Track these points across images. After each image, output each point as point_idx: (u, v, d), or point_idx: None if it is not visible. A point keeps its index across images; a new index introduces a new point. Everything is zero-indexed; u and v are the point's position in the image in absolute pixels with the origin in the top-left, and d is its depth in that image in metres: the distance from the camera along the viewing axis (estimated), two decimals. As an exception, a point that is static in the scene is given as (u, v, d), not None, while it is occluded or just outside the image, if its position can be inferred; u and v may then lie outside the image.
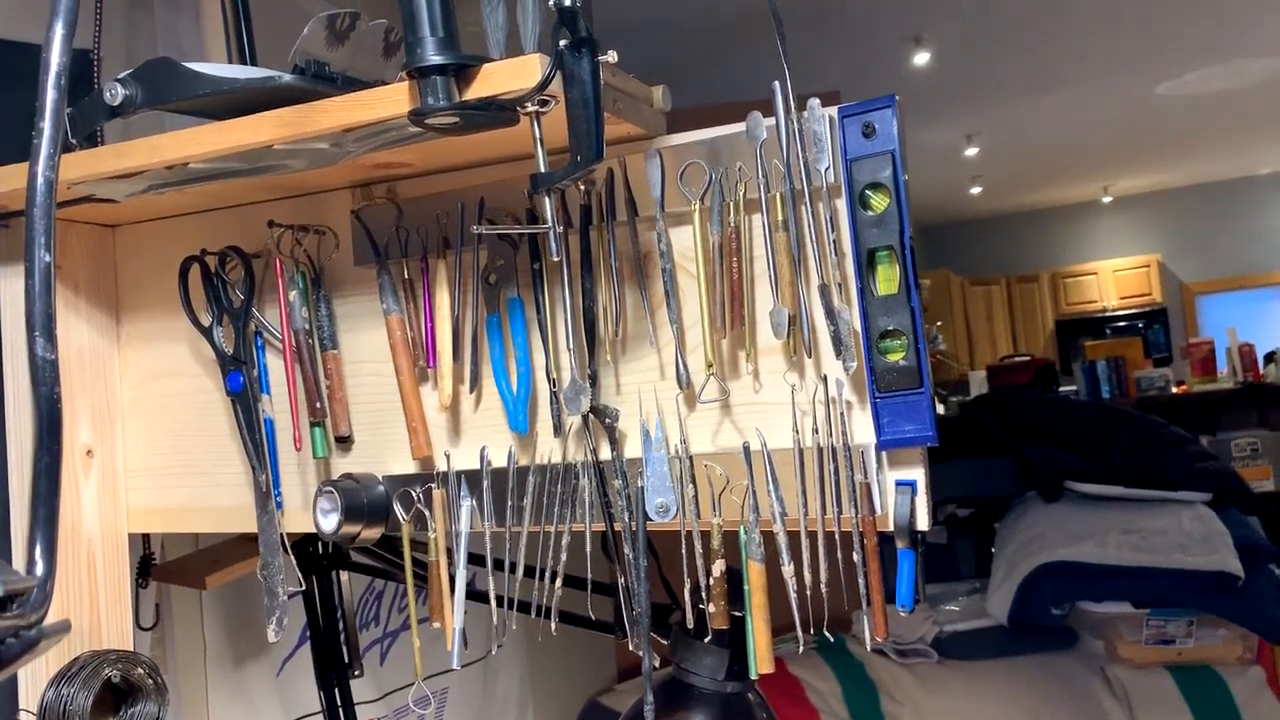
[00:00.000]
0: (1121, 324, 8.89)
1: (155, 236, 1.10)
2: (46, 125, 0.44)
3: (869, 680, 2.45)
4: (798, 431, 0.85)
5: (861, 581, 0.84)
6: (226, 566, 1.33)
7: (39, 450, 0.41)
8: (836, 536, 0.84)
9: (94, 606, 1.09)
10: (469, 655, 2.19)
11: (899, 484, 0.83)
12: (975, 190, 8.12)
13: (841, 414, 0.84)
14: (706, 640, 1.01)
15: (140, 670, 1.07)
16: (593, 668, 2.73)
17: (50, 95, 0.45)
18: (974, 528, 2.81)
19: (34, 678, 1.04)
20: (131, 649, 1.10)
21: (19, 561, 0.40)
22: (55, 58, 0.45)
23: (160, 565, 1.38)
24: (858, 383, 0.84)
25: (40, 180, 0.44)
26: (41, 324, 0.43)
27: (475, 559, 0.97)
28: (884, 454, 0.83)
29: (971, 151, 6.78)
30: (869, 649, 0.87)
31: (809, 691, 2.38)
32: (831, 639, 0.91)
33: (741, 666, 1.03)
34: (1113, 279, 9.09)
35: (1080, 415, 3.16)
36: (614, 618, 1.16)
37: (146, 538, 1.40)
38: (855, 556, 0.83)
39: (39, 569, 0.40)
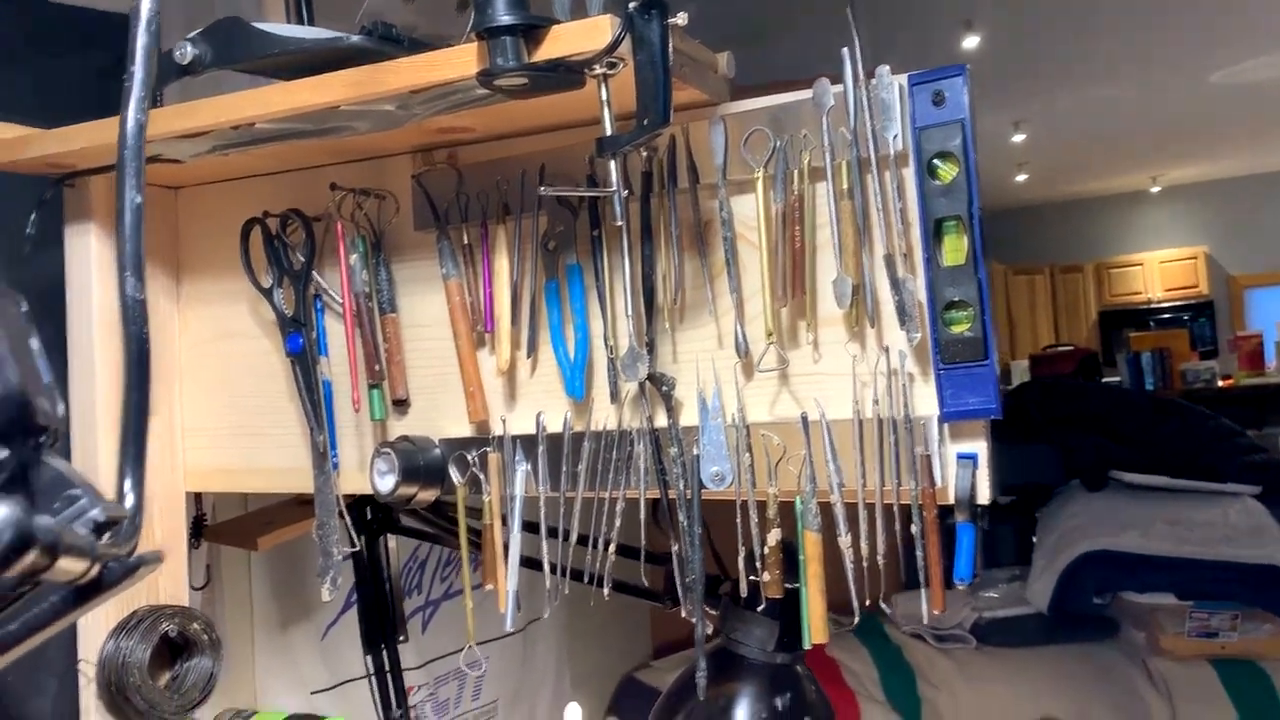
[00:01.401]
0: (1166, 316, 8.76)
1: (217, 199, 1.11)
2: (138, 69, 0.45)
3: (906, 664, 2.44)
4: (858, 402, 0.85)
5: (920, 555, 0.83)
6: (278, 528, 1.35)
7: (129, 389, 0.42)
8: (895, 509, 0.84)
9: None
10: (505, 628, 2.20)
11: (960, 457, 0.82)
12: (1021, 178, 8.02)
13: (903, 385, 0.83)
14: (758, 610, 1.01)
15: (196, 625, 1.09)
16: (629, 644, 2.74)
17: (141, 40, 0.46)
18: (1015, 515, 2.78)
19: (93, 630, 1.06)
20: (186, 606, 1.12)
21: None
22: (146, 2, 0.46)
23: (212, 526, 1.40)
24: (921, 354, 0.83)
25: (131, 123, 0.44)
26: (132, 264, 0.44)
27: (529, 526, 0.98)
28: (945, 426, 0.83)
29: (1018, 138, 6.69)
30: (925, 622, 0.87)
31: (846, 673, 2.37)
32: (888, 609, 0.90)
33: (791, 638, 1.04)
34: (1159, 270, 8.95)
35: (1127, 405, 3.12)
36: (664, 587, 1.16)
37: (198, 499, 1.42)
38: (913, 529, 0.83)
39: (129, 501, 0.41)
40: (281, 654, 1.69)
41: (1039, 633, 2.54)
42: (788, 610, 1.03)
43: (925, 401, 0.84)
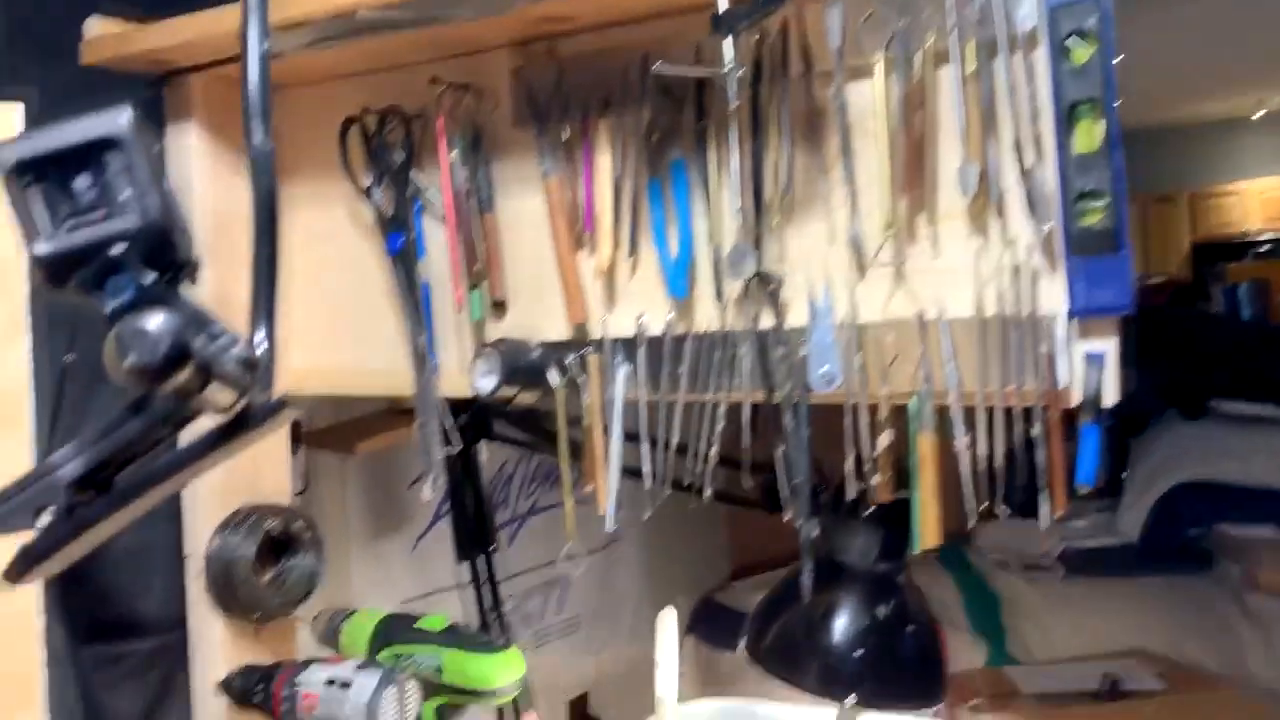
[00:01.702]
0: (1265, 248, 8.40)
1: (315, 99, 1.10)
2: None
3: (991, 593, 2.41)
4: (979, 299, 0.81)
5: (1041, 457, 0.80)
6: (374, 435, 1.36)
7: (259, 241, 0.41)
8: (1016, 411, 0.80)
9: (254, 461, 1.12)
10: (589, 544, 2.22)
11: (1088, 355, 0.79)
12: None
13: (1028, 281, 0.80)
14: (862, 517, 0.99)
15: (298, 524, 1.10)
16: (708, 566, 2.75)
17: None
18: (1107, 443, 2.70)
19: (199, 526, 1.09)
20: (289, 505, 1.14)
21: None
22: None
23: (311, 431, 1.42)
24: (1048, 247, 0.79)
25: (253, -29, 0.43)
26: (259, 114, 0.42)
27: (625, 435, 0.96)
28: (1073, 323, 0.79)
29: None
30: (1043, 529, 0.84)
31: (929, 600, 2.35)
32: (1008, 511, 0.88)
33: (894, 548, 1.02)
34: (1258, 201, 8.56)
35: (1227, 332, 3.00)
36: (761, 495, 1.14)
37: (296, 407, 1.44)
38: (1034, 431, 0.80)
39: (262, 350, 0.40)
40: (374, 562, 1.72)
41: (1129, 564, 2.48)
42: (891, 520, 1.01)
43: (1051, 298, 0.80)
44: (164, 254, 0.35)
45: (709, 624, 2.51)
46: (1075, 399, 0.79)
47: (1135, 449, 2.69)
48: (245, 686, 1.02)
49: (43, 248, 0.35)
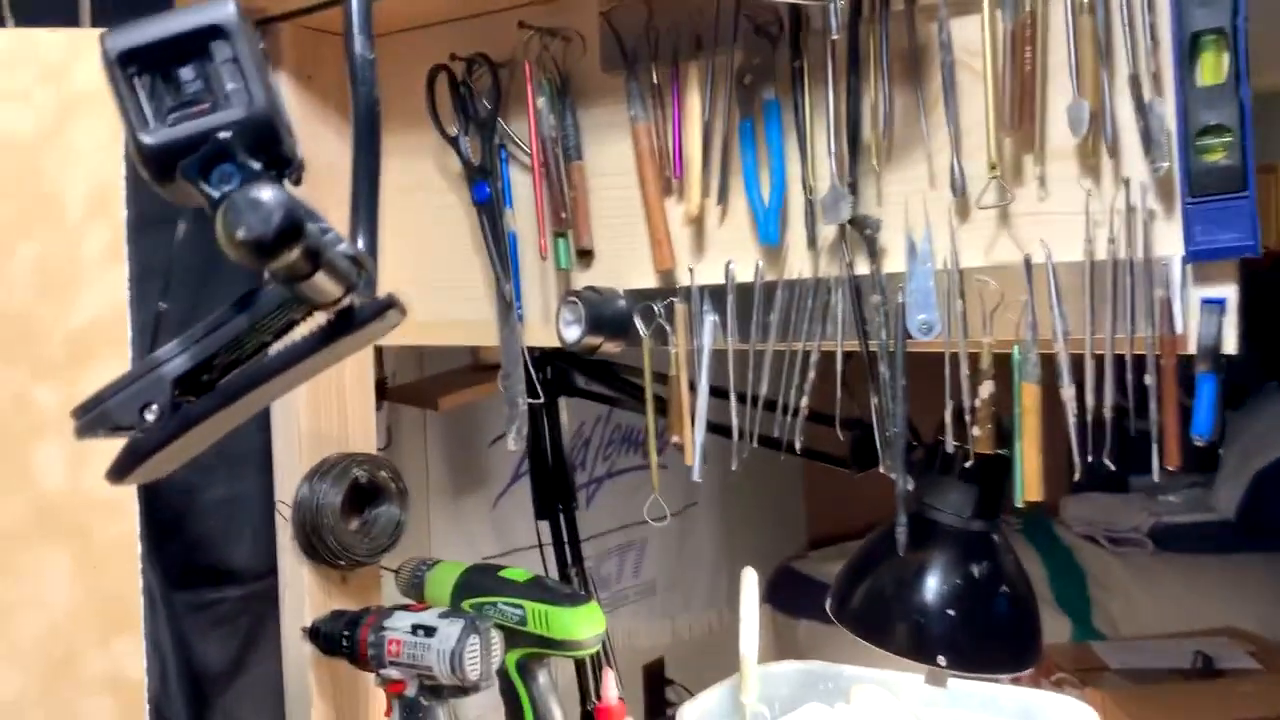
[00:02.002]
0: (1369, 221, 8.03)
1: (402, 47, 1.10)
2: None
3: (1077, 566, 2.35)
4: (1089, 242, 0.77)
5: (1153, 408, 0.76)
6: (458, 391, 1.37)
7: (359, 150, 0.40)
8: (1128, 359, 0.77)
9: (342, 412, 1.13)
10: (668, 508, 2.21)
11: (1205, 302, 0.75)
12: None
13: (1143, 222, 0.76)
14: (956, 473, 0.96)
15: (384, 474, 1.11)
16: (785, 535, 2.73)
17: None
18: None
19: (288, 475, 1.10)
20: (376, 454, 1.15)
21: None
22: None
23: (394, 387, 1.43)
24: (1165, 187, 0.75)
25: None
26: (361, 24, 0.41)
27: (712, 390, 0.94)
28: (1190, 267, 0.75)
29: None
30: (1155, 479, 0.80)
31: (1012, 572, 2.30)
32: (1114, 467, 0.84)
33: (989, 506, 0.98)
34: (1363, 171, 8.18)
35: (1333, 304, 2.86)
36: (849, 452, 1.12)
37: (379, 362, 1.45)
38: (1147, 380, 0.76)
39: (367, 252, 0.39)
40: (454, 519, 1.74)
41: (1223, 540, 2.40)
42: (986, 476, 0.97)
43: (1166, 241, 0.76)
44: (269, 147, 0.34)
45: (786, 592, 2.49)
46: (1191, 347, 0.75)
47: (1233, 422, 2.59)
48: (332, 632, 1.03)
49: (149, 139, 0.35)
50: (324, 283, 0.35)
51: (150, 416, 0.38)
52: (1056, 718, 1.00)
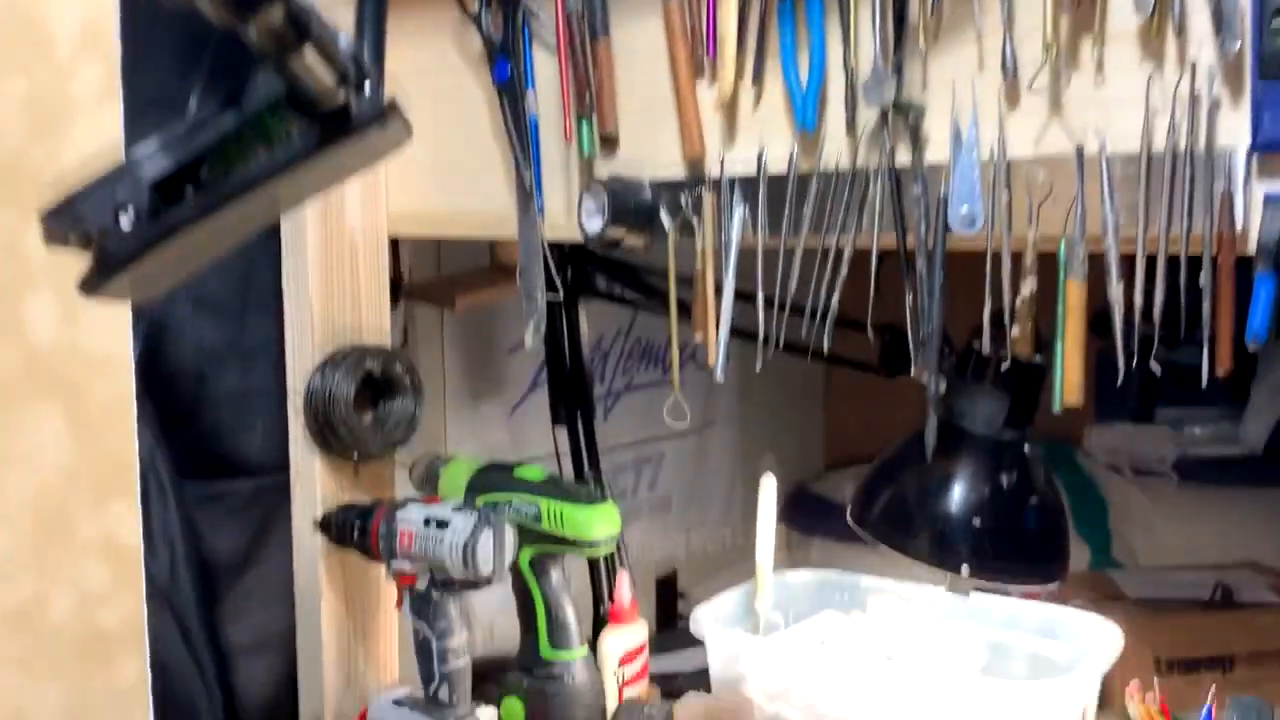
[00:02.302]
0: None
1: (421, -82, 1.04)
2: None
3: (1099, 496, 2.31)
4: (1148, 132, 0.72)
5: (1206, 308, 0.72)
6: (476, 290, 1.33)
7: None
8: (1182, 257, 0.72)
9: (355, 303, 1.10)
10: (685, 425, 2.19)
11: (1269, 197, 0.70)
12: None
13: (1208, 110, 0.71)
14: (989, 380, 0.93)
15: (399, 367, 1.08)
16: (801, 455, 2.70)
17: None
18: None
19: (300, 364, 1.07)
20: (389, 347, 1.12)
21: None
22: None
23: (411, 285, 1.39)
24: (1233, 72, 0.70)
25: None
26: None
27: (741, 295, 0.91)
28: (1254, 159, 0.70)
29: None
30: (1204, 385, 0.77)
31: (1031, 499, 2.27)
32: (1158, 370, 0.80)
33: (1021, 415, 0.95)
34: None
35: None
36: (879, 357, 1.09)
37: (395, 259, 1.41)
38: (1202, 280, 0.72)
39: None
40: (470, 425, 1.72)
41: (1250, 474, 2.35)
42: (1020, 384, 0.94)
43: (1231, 131, 0.71)
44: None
45: (800, 512, 2.47)
46: (1250, 246, 0.71)
47: (1263, 356, 2.53)
48: (343, 524, 1.02)
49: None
50: (315, 65, 0.31)
51: (125, 221, 0.34)
52: (1081, 634, 0.98)
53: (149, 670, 0.88)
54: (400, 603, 0.99)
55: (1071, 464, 2.41)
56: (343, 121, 0.34)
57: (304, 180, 0.36)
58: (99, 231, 0.34)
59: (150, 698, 0.88)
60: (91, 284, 0.35)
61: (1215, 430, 2.47)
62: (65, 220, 0.34)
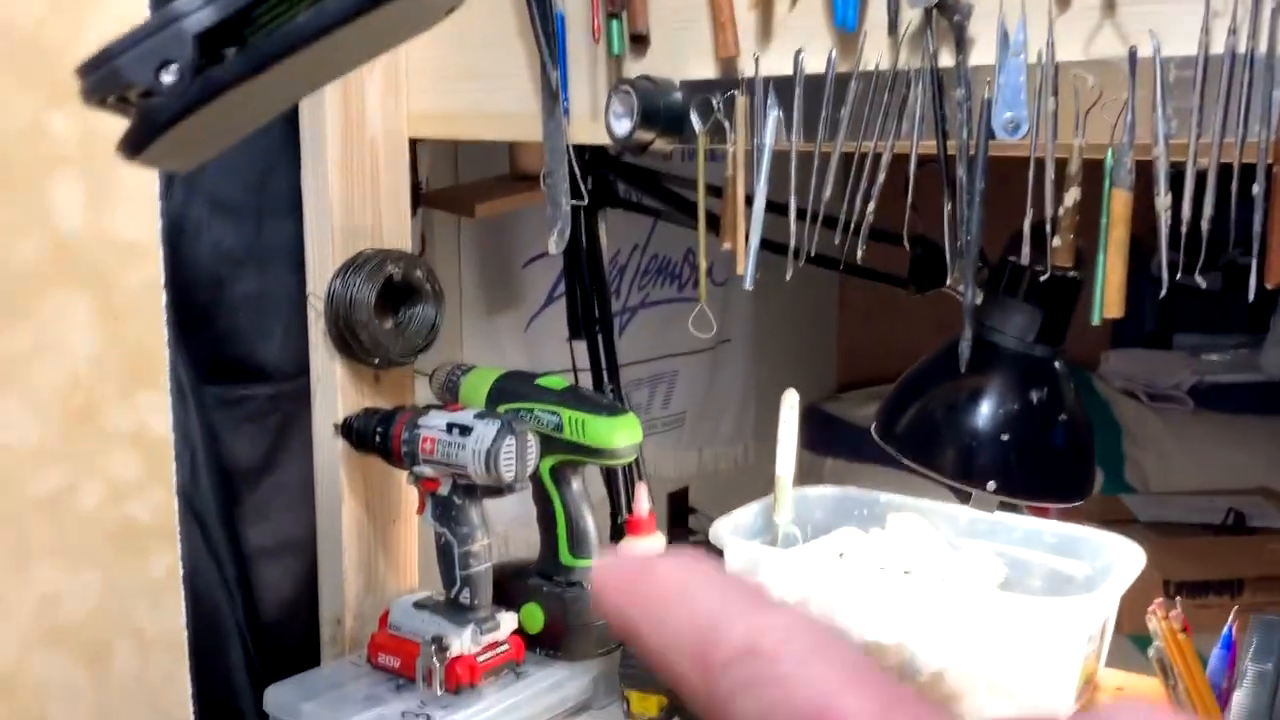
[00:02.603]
0: None
1: None
2: None
3: (1114, 420, 2.32)
4: (1205, 33, 0.70)
5: (1258, 219, 0.70)
6: (495, 199, 1.31)
7: None
8: (1235, 167, 0.70)
9: (376, 207, 1.08)
10: (700, 343, 2.18)
11: (1332, 104, 0.67)
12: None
13: (1271, 11, 0.68)
14: (1021, 294, 0.91)
15: (419, 273, 1.07)
16: (815, 376, 2.70)
17: None
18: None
19: (321, 268, 1.06)
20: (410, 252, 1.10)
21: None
22: None
23: (430, 192, 1.37)
24: (1303, -31, 0.67)
25: None
26: None
27: (772, 206, 0.88)
28: (1319, 65, 0.67)
29: None
30: (1251, 298, 0.75)
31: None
32: (1202, 283, 0.78)
33: (1054, 330, 0.94)
34: None
35: None
36: (911, 270, 1.07)
37: (414, 166, 1.39)
38: (1255, 190, 0.69)
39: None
40: (486, 336, 1.71)
41: (1268, 401, 2.34)
42: (1054, 299, 0.92)
43: (1296, 34, 0.68)
44: None
45: (814, 432, 2.48)
46: (1308, 156, 0.68)
47: (1287, 284, 2.50)
48: (365, 429, 1.01)
49: None
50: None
51: (168, 78, 0.33)
52: (1101, 552, 0.98)
53: (181, 564, 0.89)
54: (421, 508, 0.99)
55: (1087, 388, 2.41)
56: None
57: (354, 41, 0.34)
58: (141, 90, 0.33)
59: (183, 589, 0.88)
60: (134, 146, 0.33)
61: (1233, 357, 2.47)
62: (104, 77, 0.32)
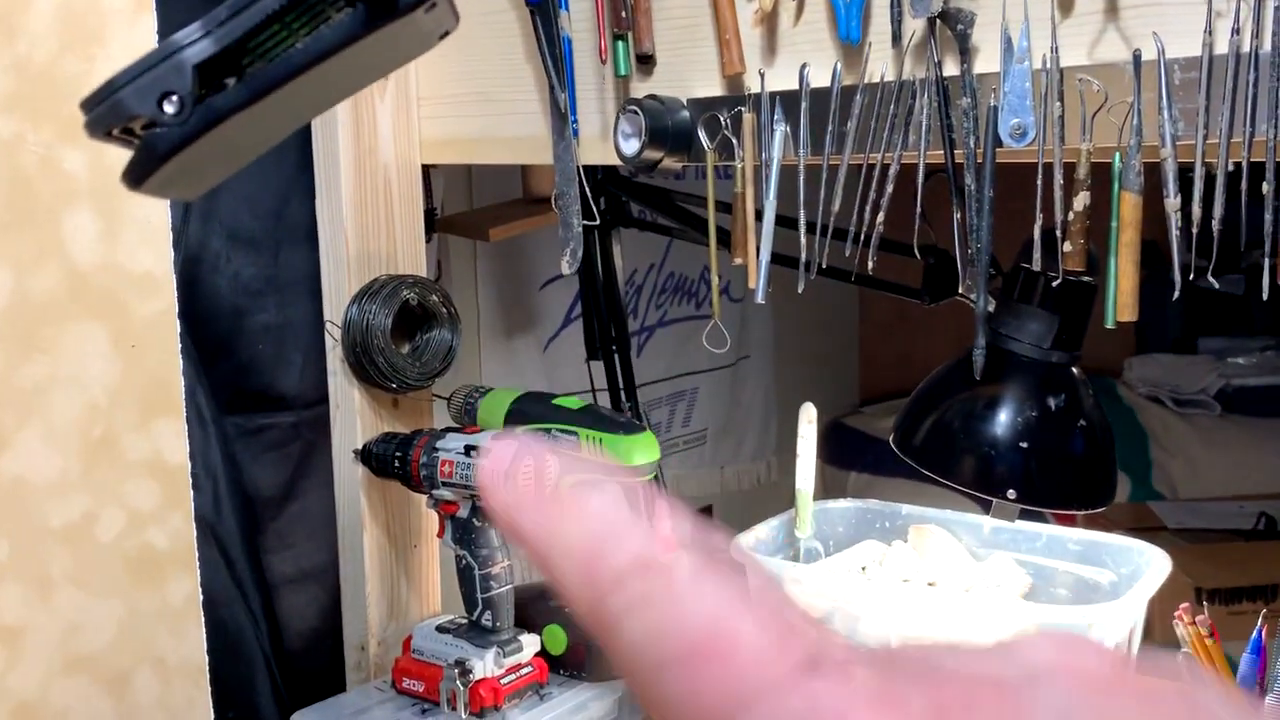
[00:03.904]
0: None
1: None
2: None
3: (1140, 426, 2.29)
4: (1209, 34, 0.69)
5: (1268, 218, 0.69)
6: (509, 222, 1.32)
7: None
8: (1244, 167, 0.70)
9: (390, 233, 1.09)
10: (720, 359, 2.18)
11: (1340, 100, 0.67)
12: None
13: (1275, 10, 0.68)
14: (1036, 301, 0.91)
15: (435, 297, 1.08)
16: (837, 391, 2.69)
17: None
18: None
19: (337, 295, 1.07)
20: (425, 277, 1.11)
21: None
22: None
23: (444, 217, 1.38)
24: (1304, -33, 0.67)
25: None
26: None
27: (782, 220, 0.89)
28: (1325, 61, 0.67)
29: None
30: (1266, 297, 0.75)
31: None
32: (1216, 284, 0.78)
33: (1070, 336, 0.93)
34: None
35: None
36: (922, 281, 1.07)
37: (429, 192, 1.40)
38: (1265, 188, 0.69)
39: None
40: (504, 359, 1.72)
41: (1294, 405, 2.32)
42: (1069, 304, 0.92)
43: (1300, 31, 0.67)
44: None
45: (838, 446, 2.47)
46: (1317, 152, 0.68)
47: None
48: (384, 454, 1.02)
49: None
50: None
51: (170, 108, 0.33)
52: (1127, 559, 0.97)
53: (200, 590, 0.89)
54: (441, 532, 1.00)
55: (1111, 395, 2.39)
56: (389, 2, 0.33)
57: (350, 67, 0.35)
58: (143, 122, 0.33)
59: (203, 615, 0.89)
60: (136, 176, 0.34)
61: (1259, 360, 2.44)
62: (107, 110, 0.33)
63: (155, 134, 0.34)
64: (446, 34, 0.37)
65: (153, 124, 0.34)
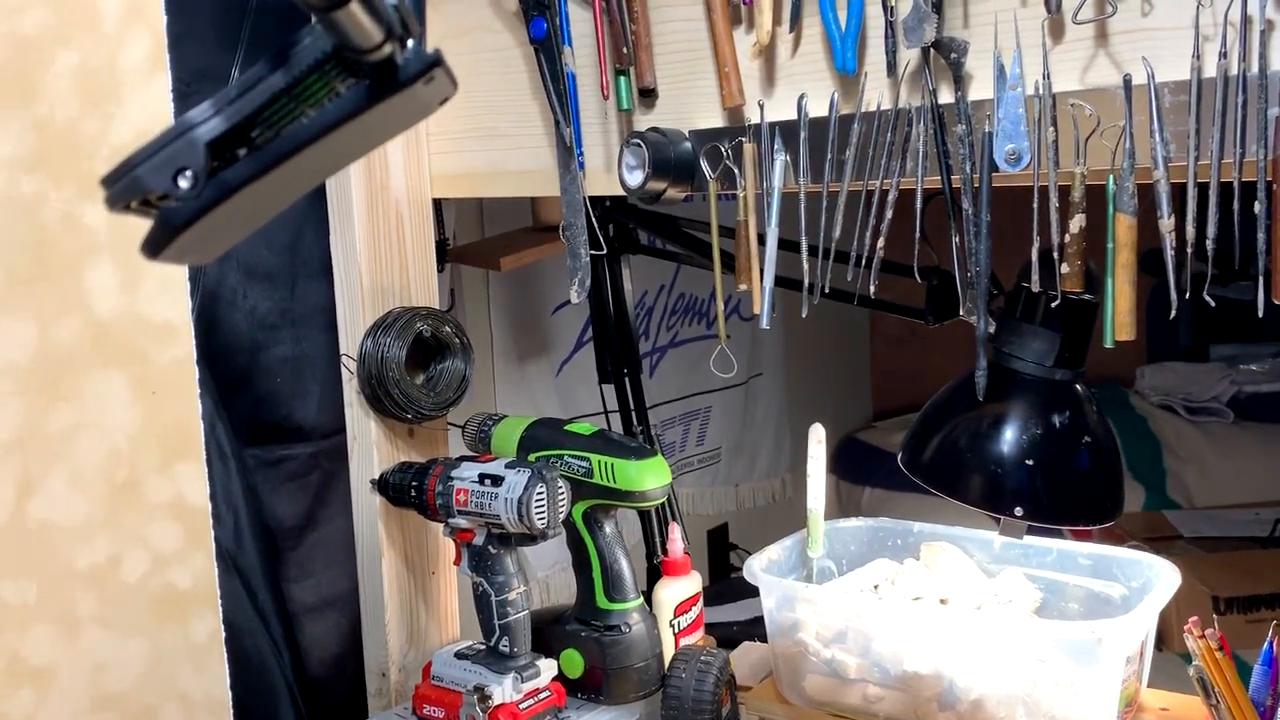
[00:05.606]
0: None
1: (451, -122, 1.04)
2: None
3: (1153, 435, 2.30)
4: (1197, 58, 0.71)
5: (1261, 237, 0.71)
6: (519, 251, 1.34)
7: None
8: (1235, 187, 0.71)
9: (403, 267, 1.11)
10: (732, 378, 2.20)
11: (1326, 120, 0.68)
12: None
13: (1259, 33, 0.69)
14: (1038, 320, 0.92)
15: (448, 328, 1.10)
16: (850, 408, 2.70)
17: None
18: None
19: (352, 328, 1.09)
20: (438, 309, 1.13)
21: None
22: None
23: (456, 247, 1.41)
24: (1287, -8, 0.68)
25: None
26: None
27: (785, 244, 0.90)
28: (1311, 83, 0.68)
29: None
30: (1260, 314, 0.75)
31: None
32: (1212, 302, 0.79)
33: (1072, 354, 0.94)
34: None
35: None
36: (926, 301, 1.08)
37: (440, 223, 1.43)
38: (1257, 207, 0.70)
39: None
40: (517, 385, 1.74)
41: (1309, 410, 2.32)
42: (1070, 322, 0.93)
43: (1286, 54, 0.69)
44: None
45: (850, 462, 2.48)
46: (1307, 171, 0.69)
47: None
48: (400, 483, 1.03)
49: None
50: (360, 18, 0.32)
51: (184, 184, 0.36)
52: (1137, 572, 0.98)
53: (222, 627, 0.91)
54: (458, 559, 1.01)
55: (1124, 405, 2.39)
56: (390, 77, 0.35)
57: (355, 137, 0.37)
58: (160, 195, 0.36)
59: (225, 653, 0.91)
60: (154, 247, 0.36)
61: (1272, 366, 2.44)
62: (126, 186, 0.35)
63: (171, 208, 0.36)
64: (445, 100, 0.39)
65: (168, 197, 0.36)
